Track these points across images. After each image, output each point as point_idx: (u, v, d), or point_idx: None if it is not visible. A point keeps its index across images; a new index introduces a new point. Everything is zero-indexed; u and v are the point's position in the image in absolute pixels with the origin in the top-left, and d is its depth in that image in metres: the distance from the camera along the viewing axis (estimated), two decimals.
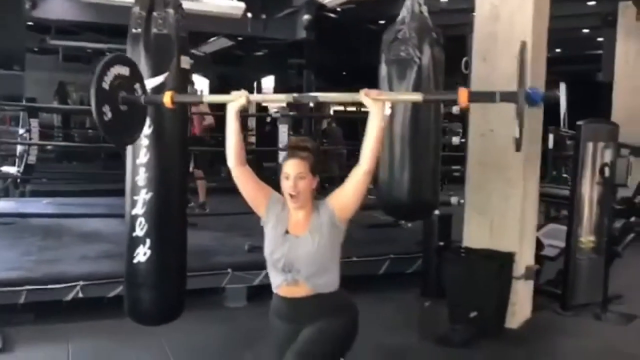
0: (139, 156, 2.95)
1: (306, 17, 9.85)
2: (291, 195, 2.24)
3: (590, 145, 4.50)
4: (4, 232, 5.49)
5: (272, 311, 2.36)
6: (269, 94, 2.58)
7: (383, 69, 3.66)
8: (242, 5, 8.22)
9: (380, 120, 2.15)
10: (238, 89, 2.48)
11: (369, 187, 2.26)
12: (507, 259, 4.07)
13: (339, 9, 10.11)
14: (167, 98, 2.38)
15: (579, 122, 4.54)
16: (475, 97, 2.28)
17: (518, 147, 2.32)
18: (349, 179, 2.23)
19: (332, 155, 9.58)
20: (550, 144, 7.22)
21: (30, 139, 7.62)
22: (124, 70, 2.36)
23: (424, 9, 3.65)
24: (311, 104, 8.84)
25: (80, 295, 4.13)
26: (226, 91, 2.37)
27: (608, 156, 4.53)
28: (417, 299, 4.82)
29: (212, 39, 12.11)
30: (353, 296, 2.37)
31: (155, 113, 2.85)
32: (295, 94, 2.30)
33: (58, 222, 5.99)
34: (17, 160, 7.73)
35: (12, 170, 7.62)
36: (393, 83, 3.60)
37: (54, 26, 10.87)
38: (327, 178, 8.45)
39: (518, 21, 4.03)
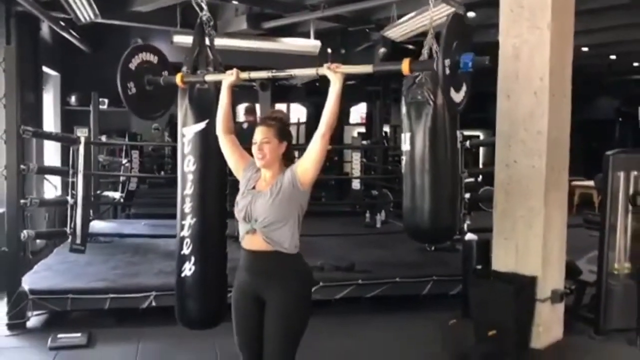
0: (186, 188, 3.55)
1: (382, 50, 10.33)
2: (258, 157, 2.70)
3: (621, 175, 4.61)
4: (102, 249, 6.41)
5: (239, 265, 2.78)
6: (255, 71, 2.99)
7: (403, 108, 4.10)
8: (318, 43, 8.94)
9: (338, 88, 2.56)
10: None
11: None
12: (527, 282, 4.30)
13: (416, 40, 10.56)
14: (178, 78, 3.25)
15: (608, 153, 4.66)
16: (415, 66, 2.63)
17: (452, 110, 2.61)
18: (310, 144, 2.62)
19: None
20: None
21: (131, 168, 8.68)
22: (152, 58, 3.09)
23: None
24: None
25: (154, 304, 4.84)
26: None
27: None
28: (457, 319, 5.09)
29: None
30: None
31: (199, 152, 3.48)
32: (274, 71, 2.88)
33: (148, 241, 6.83)
34: (120, 186, 8.78)
35: (115, 195, 8.66)
36: (412, 121, 4.03)
37: None
38: None
39: (537, 60, 4.30)
